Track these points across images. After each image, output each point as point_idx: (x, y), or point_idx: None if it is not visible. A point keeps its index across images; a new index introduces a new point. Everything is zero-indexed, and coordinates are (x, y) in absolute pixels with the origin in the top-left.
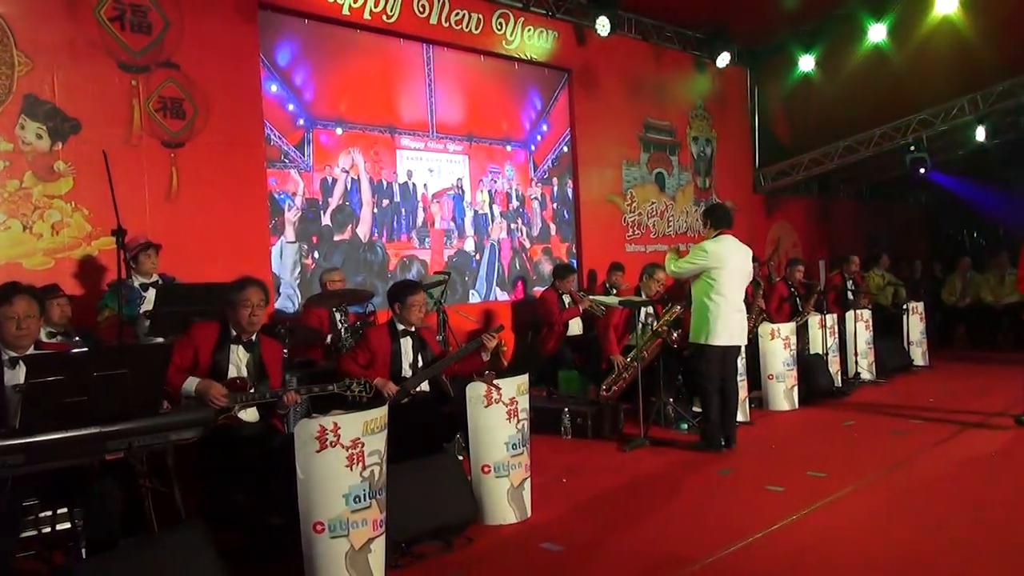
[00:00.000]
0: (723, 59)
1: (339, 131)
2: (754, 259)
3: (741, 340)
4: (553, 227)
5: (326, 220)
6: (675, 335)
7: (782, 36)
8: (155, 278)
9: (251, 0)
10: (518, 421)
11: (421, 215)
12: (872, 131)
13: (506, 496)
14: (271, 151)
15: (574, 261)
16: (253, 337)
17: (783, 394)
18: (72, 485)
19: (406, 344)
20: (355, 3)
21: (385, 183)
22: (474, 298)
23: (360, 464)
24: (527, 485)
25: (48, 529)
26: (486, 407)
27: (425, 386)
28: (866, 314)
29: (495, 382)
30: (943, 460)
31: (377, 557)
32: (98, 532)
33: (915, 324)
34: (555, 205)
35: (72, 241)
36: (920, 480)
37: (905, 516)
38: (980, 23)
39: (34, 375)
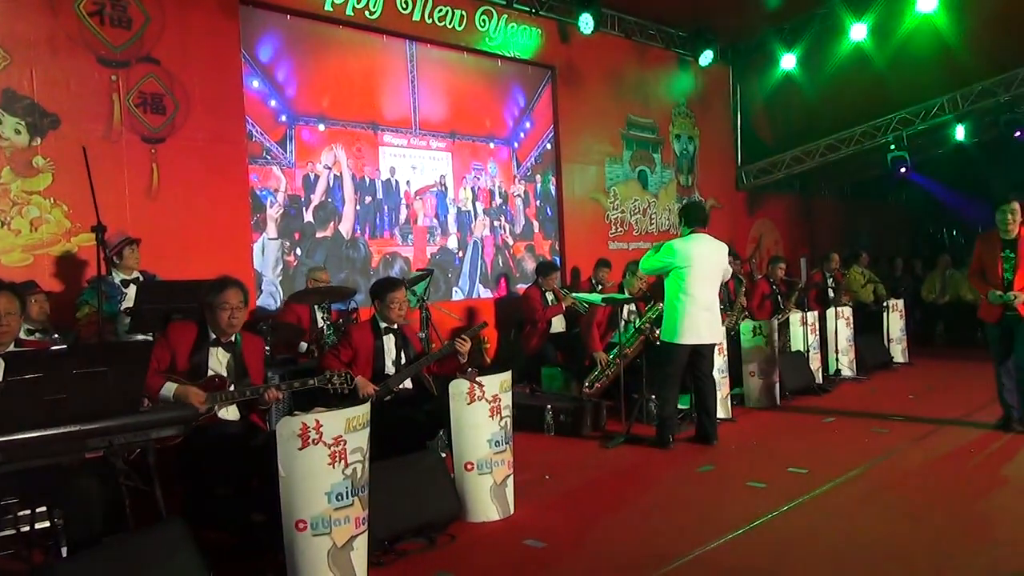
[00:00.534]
0: (705, 57)
1: (322, 127)
2: (736, 257)
3: (711, 339)
4: (536, 224)
5: (308, 217)
6: (657, 332)
7: (764, 35)
8: (136, 275)
9: None
10: (501, 418)
11: (404, 212)
12: (853, 129)
13: (489, 493)
14: (253, 147)
15: (557, 258)
16: (233, 338)
17: (765, 391)
18: (52, 483)
19: (389, 341)
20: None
21: (368, 180)
22: (457, 295)
23: (343, 462)
24: (510, 482)
25: (27, 528)
26: (469, 404)
27: (408, 383)
28: (847, 311)
29: (478, 379)
30: (922, 456)
31: (360, 555)
32: (78, 531)
33: (895, 321)
34: (538, 202)
35: (51, 237)
36: (899, 475)
37: (884, 511)
38: (960, 23)
39: (13, 373)
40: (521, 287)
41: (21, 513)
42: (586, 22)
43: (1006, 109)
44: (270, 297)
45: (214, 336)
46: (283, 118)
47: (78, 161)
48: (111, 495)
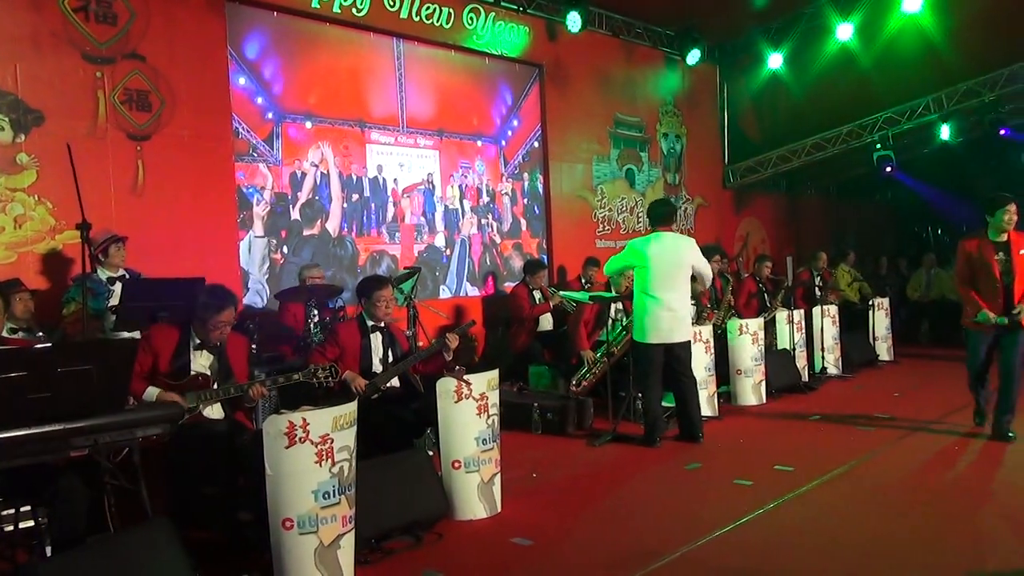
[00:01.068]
0: (693, 56)
1: (308, 125)
2: (723, 255)
3: (676, 338)
4: (524, 222)
5: (295, 215)
6: None
7: (751, 34)
8: (121, 272)
9: None
10: (488, 416)
11: (391, 210)
12: (839, 129)
13: (476, 491)
14: (239, 145)
15: (544, 257)
16: (218, 343)
17: (751, 389)
18: (36, 483)
19: (376, 340)
20: None
21: (355, 177)
22: (444, 293)
23: (329, 460)
24: (497, 480)
25: (11, 527)
26: (456, 403)
27: (395, 382)
28: (832, 310)
29: (465, 377)
30: (907, 453)
31: (346, 553)
32: (63, 530)
33: (880, 320)
34: (526, 200)
35: (35, 235)
36: (884, 473)
37: (870, 508)
38: (945, 23)
39: None
40: (509, 285)
41: (5, 512)
42: (574, 20)
43: (991, 109)
44: (256, 295)
45: (198, 340)
46: (270, 115)
47: (63, 158)
48: (96, 494)
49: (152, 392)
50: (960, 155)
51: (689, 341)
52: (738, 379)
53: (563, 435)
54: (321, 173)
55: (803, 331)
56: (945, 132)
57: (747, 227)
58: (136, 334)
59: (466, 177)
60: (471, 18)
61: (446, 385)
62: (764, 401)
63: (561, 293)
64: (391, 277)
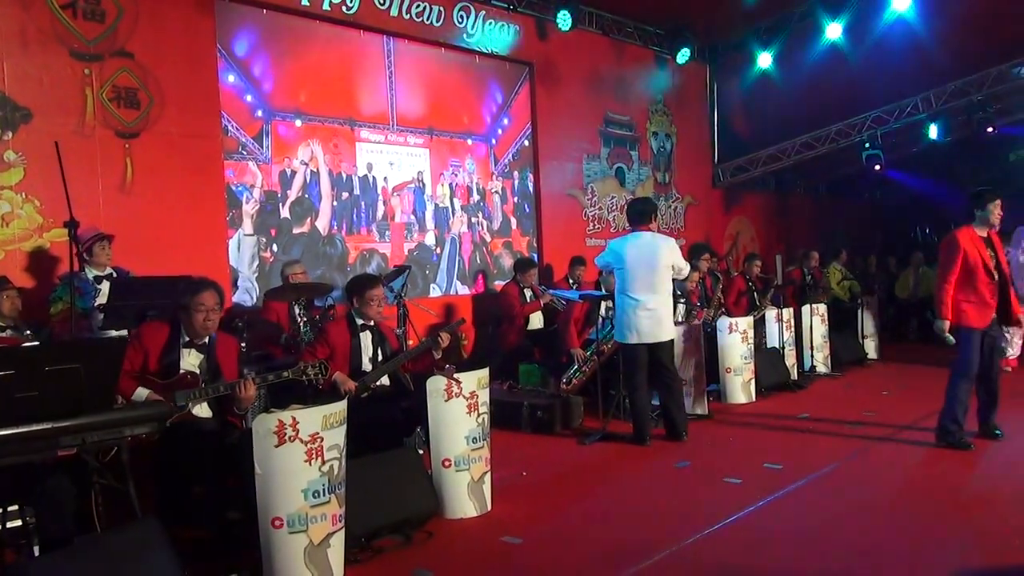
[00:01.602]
0: (683, 55)
1: (298, 123)
2: (713, 254)
3: (657, 338)
4: (514, 221)
5: (285, 213)
6: None
7: (741, 33)
8: (109, 271)
9: None
10: (478, 415)
11: (381, 208)
12: (828, 127)
13: (466, 490)
14: (228, 142)
15: (535, 255)
16: (206, 339)
17: (741, 387)
18: (24, 482)
19: (365, 338)
20: None
21: (345, 176)
22: (435, 292)
23: (319, 459)
24: (487, 479)
25: None
26: (446, 401)
27: (385, 380)
28: (822, 308)
29: (455, 376)
30: (895, 451)
31: (336, 552)
32: (51, 530)
33: (869, 318)
34: (516, 199)
35: (23, 233)
36: (873, 471)
37: (858, 506)
38: (934, 23)
39: None
40: (499, 283)
41: None
42: (564, 19)
43: (979, 108)
44: (246, 293)
45: (187, 337)
46: (259, 113)
47: (50, 156)
48: (84, 494)
49: (142, 393)
50: (949, 154)
51: (672, 340)
52: (728, 377)
53: (553, 434)
54: (311, 171)
55: (792, 329)
56: (934, 131)
57: (737, 226)
58: (124, 333)
59: (456, 175)
60: (461, 16)
61: (436, 384)
62: (753, 399)
63: (551, 291)
64: (381, 275)
